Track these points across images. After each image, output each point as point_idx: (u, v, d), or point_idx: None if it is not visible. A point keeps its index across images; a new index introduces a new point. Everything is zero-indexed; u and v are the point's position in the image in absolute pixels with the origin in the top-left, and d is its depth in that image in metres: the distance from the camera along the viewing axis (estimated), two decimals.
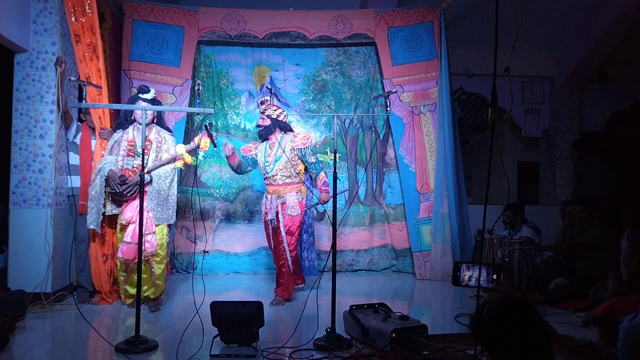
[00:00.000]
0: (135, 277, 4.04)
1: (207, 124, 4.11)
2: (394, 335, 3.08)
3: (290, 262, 4.54)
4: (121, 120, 4.40)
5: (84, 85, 3.69)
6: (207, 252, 5.92)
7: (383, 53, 5.97)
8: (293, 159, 4.54)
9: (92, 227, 4.28)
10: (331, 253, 3.68)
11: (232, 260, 6.08)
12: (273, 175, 4.56)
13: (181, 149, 4.33)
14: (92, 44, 4.55)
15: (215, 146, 4.25)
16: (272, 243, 4.69)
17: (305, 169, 4.71)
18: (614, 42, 6.63)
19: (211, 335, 3.23)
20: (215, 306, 3.18)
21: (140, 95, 4.28)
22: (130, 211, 4.23)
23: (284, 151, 4.50)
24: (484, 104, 8.09)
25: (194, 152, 4.40)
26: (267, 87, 5.33)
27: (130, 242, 4.16)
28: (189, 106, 5.71)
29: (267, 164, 4.59)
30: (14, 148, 4.49)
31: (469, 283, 2.10)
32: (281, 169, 4.53)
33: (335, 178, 3.71)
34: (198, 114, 5.77)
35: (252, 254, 6.12)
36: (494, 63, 1.81)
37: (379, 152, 6.31)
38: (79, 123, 4.72)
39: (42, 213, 4.42)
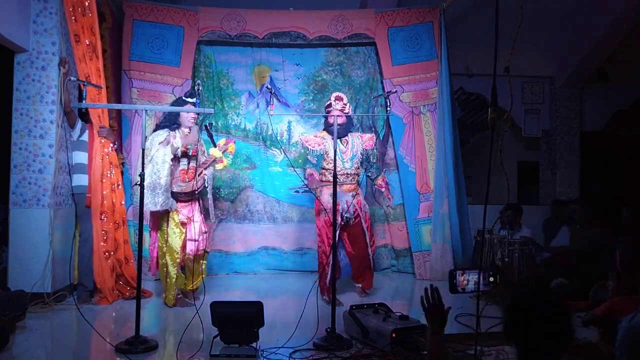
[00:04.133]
0: (181, 278, 4.42)
1: (207, 124, 4.12)
2: (394, 335, 3.08)
3: (371, 256, 4.69)
4: (164, 123, 4.39)
5: (84, 85, 3.69)
6: (207, 252, 5.90)
7: (383, 53, 5.97)
8: (360, 159, 4.71)
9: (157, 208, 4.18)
10: (331, 253, 3.68)
11: (232, 260, 6.08)
12: (348, 174, 4.60)
13: (217, 152, 4.39)
14: (92, 43, 4.56)
15: (215, 146, 4.25)
16: (328, 240, 4.51)
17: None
18: (614, 42, 6.64)
19: (211, 335, 3.23)
20: (215, 306, 3.18)
21: (188, 99, 4.32)
22: (189, 211, 4.38)
23: (360, 152, 4.69)
24: (484, 104, 8.09)
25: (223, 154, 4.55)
26: (267, 87, 5.33)
27: (194, 239, 4.38)
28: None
29: (344, 161, 4.63)
30: (14, 148, 4.49)
31: (465, 288, 2.09)
32: (355, 168, 4.66)
33: (335, 178, 3.71)
34: (198, 114, 5.76)
35: (252, 253, 6.12)
36: (494, 63, 1.82)
37: (379, 152, 6.30)
38: (84, 122, 4.73)
39: (42, 213, 4.42)
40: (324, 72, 6.24)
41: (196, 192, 4.36)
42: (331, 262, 3.93)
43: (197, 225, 4.41)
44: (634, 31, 6.36)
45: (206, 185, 4.42)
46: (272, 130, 6.08)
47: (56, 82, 4.49)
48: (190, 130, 4.32)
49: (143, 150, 3.52)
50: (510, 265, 4.63)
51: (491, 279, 2.15)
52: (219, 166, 4.54)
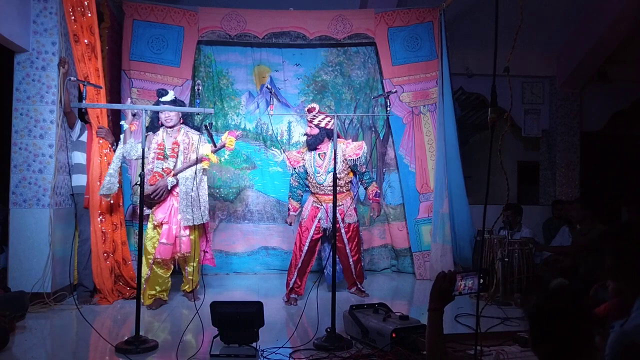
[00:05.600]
0: (160, 278, 4.37)
1: (207, 124, 4.11)
2: (394, 335, 3.08)
3: (353, 266, 4.72)
4: (151, 124, 4.52)
5: (84, 85, 3.69)
6: (207, 252, 5.91)
7: (383, 53, 5.97)
8: (345, 168, 4.62)
9: (102, 192, 4.32)
10: (331, 253, 3.68)
11: (232, 260, 6.08)
12: (326, 185, 4.58)
13: (207, 149, 4.38)
14: (91, 43, 4.56)
15: (215, 146, 4.25)
16: (304, 250, 4.62)
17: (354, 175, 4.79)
18: (614, 42, 6.64)
19: (211, 335, 3.23)
20: (215, 306, 3.18)
21: (160, 99, 4.32)
22: (162, 212, 4.36)
23: (340, 161, 4.54)
24: (484, 104, 8.09)
25: (219, 151, 4.48)
26: (267, 87, 5.32)
27: (166, 243, 4.32)
28: (188, 106, 5.71)
29: (318, 174, 4.62)
30: (14, 148, 4.49)
31: (462, 292, 2.11)
32: (341, 178, 4.54)
33: (335, 178, 3.71)
34: (198, 114, 5.77)
35: (252, 253, 6.12)
36: (494, 63, 1.81)
37: (379, 152, 6.31)
38: (83, 122, 4.73)
39: (42, 213, 4.42)
40: (324, 72, 6.24)
41: (151, 196, 4.25)
42: (331, 263, 3.93)
43: (173, 228, 4.33)
44: (633, 31, 6.36)
45: (168, 188, 4.30)
46: (272, 130, 6.08)
47: (56, 82, 4.49)
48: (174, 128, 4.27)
49: (143, 150, 3.52)
50: (510, 265, 4.63)
51: (481, 280, 2.15)
52: (205, 164, 4.43)
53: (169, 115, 4.35)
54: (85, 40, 4.51)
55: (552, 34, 7.09)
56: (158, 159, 4.35)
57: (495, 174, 2.19)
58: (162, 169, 4.35)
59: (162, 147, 4.38)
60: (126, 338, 3.33)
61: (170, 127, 4.41)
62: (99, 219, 4.49)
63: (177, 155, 4.36)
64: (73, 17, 4.46)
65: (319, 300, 3.78)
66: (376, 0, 6.23)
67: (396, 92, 5.50)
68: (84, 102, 3.72)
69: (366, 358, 3.09)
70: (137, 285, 3.52)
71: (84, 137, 4.70)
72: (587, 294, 4.15)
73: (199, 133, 4.54)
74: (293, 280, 4.62)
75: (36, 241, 4.39)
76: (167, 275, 4.47)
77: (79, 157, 4.69)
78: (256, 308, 3.18)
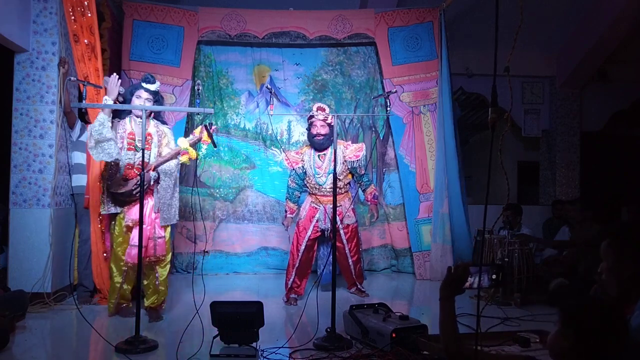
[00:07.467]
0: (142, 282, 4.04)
1: (207, 124, 4.08)
2: (394, 335, 3.08)
3: (352, 267, 4.72)
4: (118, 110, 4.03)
5: (84, 85, 3.68)
6: (207, 252, 5.92)
7: (383, 53, 5.97)
8: (344, 170, 4.60)
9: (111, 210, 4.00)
10: (331, 253, 3.68)
11: (232, 260, 6.08)
12: (325, 187, 4.56)
13: (184, 142, 3.95)
14: (91, 43, 4.56)
15: (215, 146, 4.24)
16: (302, 249, 4.60)
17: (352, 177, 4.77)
18: (614, 42, 6.64)
19: (211, 335, 3.22)
20: (215, 306, 3.17)
21: (144, 84, 3.95)
22: (136, 211, 3.74)
23: (340, 163, 4.46)
24: (484, 104, 8.10)
25: (195, 145, 4.07)
26: (267, 87, 5.33)
27: (137, 245, 3.75)
28: (189, 106, 5.71)
29: (318, 175, 4.58)
30: (14, 148, 4.49)
31: (472, 286, 2.09)
32: (340, 179, 4.51)
33: (335, 178, 3.71)
34: (198, 114, 5.77)
35: (252, 254, 6.13)
36: (494, 63, 1.81)
37: (379, 152, 6.31)
38: (83, 122, 4.73)
39: (42, 213, 4.42)
40: (324, 71, 6.24)
41: (133, 192, 3.84)
42: (331, 263, 3.93)
43: (147, 228, 3.82)
44: (633, 31, 6.36)
45: (151, 183, 3.89)
46: (272, 130, 6.08)
47: (56, 82, 4.50)
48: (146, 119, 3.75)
49: (143, 150, 3.51)
50: (510, 265, 4.63)
51: (494, 276, 2.14)
52: (183, 158, 3.96)
53: (148, 101, 3.91)
54: (85, 40, 4.51)
55: (552, 34, 7.09)
56: (129, 149, 3.90)
57: (495, 174, 2.19)
58: (135, 160, 3.90)
59: (132, 137, 3.92)
60: (126, 338, 3.32)
61: (139, 117, 3.86)
62: (99, 218, 4.48)
63: (151, 147, 3.93)
64: (73, 17, 4.46)
65: (318, 300, 3.77)
66: (376, 0, 6.23)
67: (396, 92, 5.50)
68: (84, 102, 3.71)
69: (366, 358, 3.09)
70: (137, 285, 3.52)
71: (84, 137, 4.69)
72: (588, 293, 4.15)
73: (170, 127, 4.21)
74: (291, 280, 4.62)
75: (36, 241, 4.39)
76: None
77: (79, 157, 4.69)
78: (256, 308, 3.18)
